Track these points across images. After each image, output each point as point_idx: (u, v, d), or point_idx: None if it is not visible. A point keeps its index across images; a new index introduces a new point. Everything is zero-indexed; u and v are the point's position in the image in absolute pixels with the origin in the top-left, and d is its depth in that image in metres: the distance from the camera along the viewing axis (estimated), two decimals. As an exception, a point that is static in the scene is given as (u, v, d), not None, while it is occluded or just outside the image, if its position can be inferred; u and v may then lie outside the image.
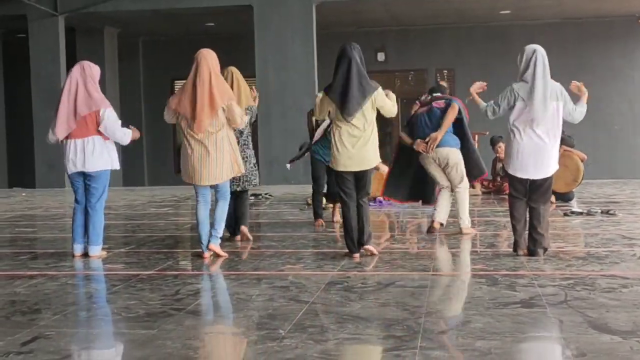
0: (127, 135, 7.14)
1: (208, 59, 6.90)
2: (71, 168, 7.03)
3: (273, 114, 16.87)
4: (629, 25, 19.24)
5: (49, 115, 17.42)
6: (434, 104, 8.26)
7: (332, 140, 6.74)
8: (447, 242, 7.72)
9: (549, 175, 6.54)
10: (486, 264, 6.31)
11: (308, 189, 14.74)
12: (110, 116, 7.00)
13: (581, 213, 9.68)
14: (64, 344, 4.10)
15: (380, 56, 20.09)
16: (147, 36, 20.85)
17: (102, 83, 20.08)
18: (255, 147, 20.09)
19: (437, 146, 8.00)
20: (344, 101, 6.61)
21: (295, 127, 16.77)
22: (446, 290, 5.48)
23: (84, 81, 7.02)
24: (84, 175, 7.07)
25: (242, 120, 6.94)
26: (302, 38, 16.88)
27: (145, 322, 4.60)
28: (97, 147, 6.98)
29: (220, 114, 6.78)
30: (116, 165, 7.14)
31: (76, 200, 7.21)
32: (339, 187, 6.77)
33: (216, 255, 6.97)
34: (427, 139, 8.01)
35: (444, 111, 8.11)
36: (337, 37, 19.91)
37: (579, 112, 6.66)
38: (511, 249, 6.76)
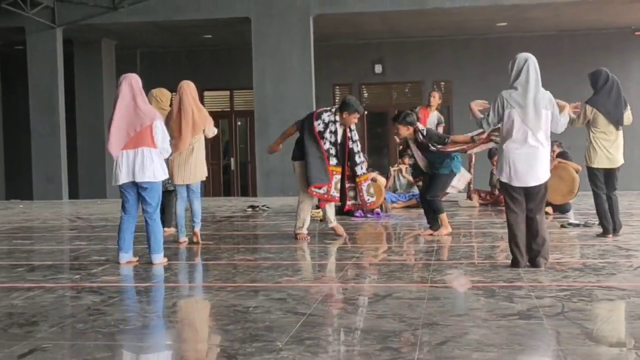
0: (168, 152, 7.40)
1: (189, 92, 8.66)
2: (123, 178, 7.15)
3: (270, 125, 16.87)
4: (624, 37, 19.31)
5: (47, 127, 17.50)
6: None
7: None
8: (444, 254, 7.72)
9: (543, 181, 6.54)
10: (483, 275, 6.31)
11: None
12: (160, 127, 7.21)
13: (578, 225, 9.69)
14: (61, 356, 4.10)
15: (378, 68, 20.13)
16: (145, 48, 20.88)
17: (100, 95, 20.00)
18: (252, 158, 20.03)
19: None
20: None
21: (293, 139, 16.75)
22: (443, 302, 5.48)
23: (134, 96, 7.18)
24: (137, 186, 7.20)
25: (213, 134, 8.77)
26: (299, 50, 16.91)
27: (143, 334, 4.60)
28: (147, 158, 7.12)
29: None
30: (165, 174, 7.34)
31: (125, 210, 7.33)
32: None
33: (195, 243, 8.61)
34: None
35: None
36: (335, 49, 20.01)
37: (562, 123, 6.71)
38: (508, 260, 6.77)
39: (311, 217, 11.40)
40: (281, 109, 16.82)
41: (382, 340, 4.29)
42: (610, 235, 8.53)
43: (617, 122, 8.42)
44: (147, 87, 22.16)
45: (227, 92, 21.01)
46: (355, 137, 8.86)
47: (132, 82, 7.24)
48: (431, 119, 12.96)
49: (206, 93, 20.84)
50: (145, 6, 17.18)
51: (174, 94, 9.12)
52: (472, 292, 5.64)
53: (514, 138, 6.48)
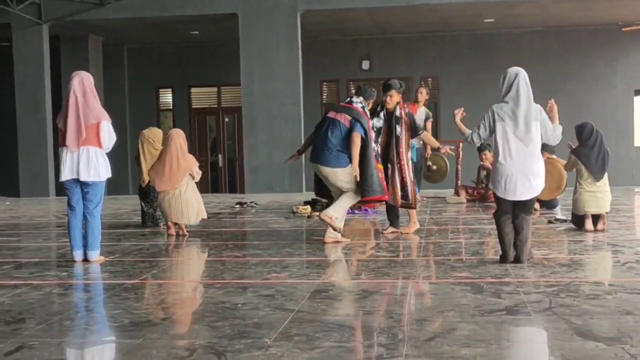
0: (108, 150, 7.32)
1: (177, 139, 9.23)
2: (66, 175, 7.13)
3: (258, 122, 16.86)
4: (612, 34, 19.36)
5: (33, 124, 17.40)
6: (339, 116, 8.08)
7: None
8: (432, 250, 7.73)
9: (536, 194, 6.63)
10: (471, 271, 6.33)
11: (293, 197, 14.75)
12: (107, 127, 7.20)
13: (565, 220, 9.72)
14: (48, 353, 4.08)
15: (365, 64, 20.12)
16: (132, 44, 20.79)
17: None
18: (240, 155, 19.99)
19: (320, 164, 8.05)
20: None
21: (281, 135, 16.79)
22: (431, 298, 5.49)
23: (84, 94, 7.20)
24: (80, 183, 7.16)
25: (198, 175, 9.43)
26: (287, 46, 16.89)
27: (130, 331, 4.58)
28: (92, 156, 7.11)
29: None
30: (109, 174, 7.28)
31: (70, 207, 7.29)
32: None
33: (181, 235, 9.10)
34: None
35: (348, 131, 7.93)
36: (322, 45, 19.99)
37: (557, 134, 6.73)
38: (496, 256, 6.79)
39: (299, 213, 11.43)
40: (269, 105, 16.81)
41: (370, 337, 4.29)
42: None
43: (596, 175, 8.80)
44: (134, 84, 21.99)
45: (215, 89, 20.94)
46: None
47: (83, 79, 7.27)
48: (419, 115, 12.99)
49: (193, 89, 20.78)
50: (131, 2, 17.10)
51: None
52: (460, 288, 5.65)
53: (506, 151, 6.55)
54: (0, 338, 4.38)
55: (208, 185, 20.79)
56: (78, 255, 7.27)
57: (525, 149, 6.51)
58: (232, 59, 18.10)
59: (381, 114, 8.60)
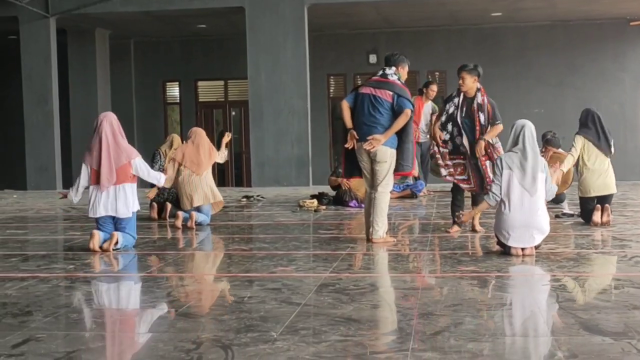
0: (161, 178, 7.92)
1: (203, 136, 9.83)
2: (101, 212, 7.46)
3: (265, 115, 16.86)
4: (619, 28, 19.29)
5: (40, 117, 17.43)
6: (379, 92, 7.61)
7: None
8: (439, 244, 7.73)
9: (539, 242, 6.72)
10: (478, 265, 6.32)
11: (300, 191, 14.75)
12: (140, 164, 7.60)
13: (572, 215, 9.70)
14: (55, 346, 4.10)
15: (372, 58, 20.08)
16: (139, 37, 20.80)
17: (94, 84, 19.96)
18: (247, 148, 20.05)
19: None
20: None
21: (288, 129, 16.78)
22: (438, 292, 5.48)
23: (114, 135, 7.56)
24: (114, 217, 7.50)
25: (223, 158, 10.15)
26: (294, 40, 16.87)
27: (137, 324, 4.59)
28: (129, 193, 7.52)
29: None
30: (138, 205, 7.70)
31: (101, 231, 7.56)
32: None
33: (189, 228, 9.15)
34: (368, 137, 7.47)
35: (392, 109, 7.51)
36: (329, 39, 19.97)
37: (553, 191, 6.96)
38: (502, 250, 6.80)
39: (306, 207, 11.43)
40: (276, 99, 16.81)
41: (376, 330, 4.29)
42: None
43: (606, 151, 9.00)
44: (141, 77, 22.01)
45: (222, 82, 20.95)
46: None
47: (112, 121, 7.62)
48: (426, 109, 13.11)
49: (200, 83, 20.78)
50: (139, -5, 17.14)
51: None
52: (467, 282, 5.65)
53: (511, 200, 6.70)
54: (7, 330, 4.40)
55: (215, 178, 20.81)
56: (99, 232, 7.48)
57: (530, 198, 6.67)
58: (239, 53, 18.10)
59: (455, 100, 8.27)
